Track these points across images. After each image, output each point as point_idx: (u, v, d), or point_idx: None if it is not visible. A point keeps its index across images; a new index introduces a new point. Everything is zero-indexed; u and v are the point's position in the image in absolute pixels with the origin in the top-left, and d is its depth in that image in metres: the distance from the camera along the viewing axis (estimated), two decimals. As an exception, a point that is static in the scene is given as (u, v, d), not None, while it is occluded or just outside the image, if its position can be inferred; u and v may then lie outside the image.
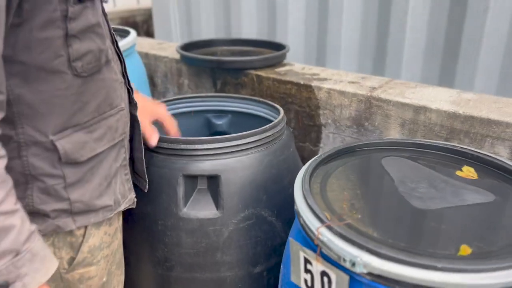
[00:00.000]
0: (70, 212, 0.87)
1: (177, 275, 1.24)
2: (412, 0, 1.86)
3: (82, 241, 0.91)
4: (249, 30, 2.40)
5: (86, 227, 0.91)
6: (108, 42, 0.91)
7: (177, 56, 1.91)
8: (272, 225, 1.26)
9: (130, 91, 1.03)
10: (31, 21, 0.74)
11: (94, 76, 0.85)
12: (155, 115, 1.24)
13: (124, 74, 1.01)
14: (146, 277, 1.29)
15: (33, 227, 0.73)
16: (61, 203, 0.86)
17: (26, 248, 0.70)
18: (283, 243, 1.28)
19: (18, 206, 0.71)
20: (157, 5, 2.74)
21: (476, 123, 1.23)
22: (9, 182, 0.71)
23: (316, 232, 0.87)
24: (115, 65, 0.95)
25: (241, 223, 1.21)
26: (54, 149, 0.82)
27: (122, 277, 1.10)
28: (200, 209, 1.20)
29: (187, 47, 1.91)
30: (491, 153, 1.19)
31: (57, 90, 0.80)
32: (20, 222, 0.70)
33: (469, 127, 1.24)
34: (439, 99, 1.34)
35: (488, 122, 1.21)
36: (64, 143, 0.83)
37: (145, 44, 2.17)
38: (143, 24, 3.46)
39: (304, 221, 0.92)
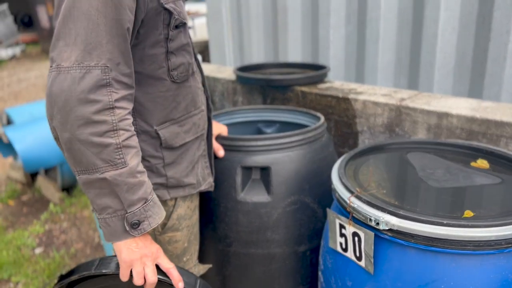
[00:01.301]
0: (166, 186, 1.17)
1: (235, 250, 1.49)
2: (441, 24, 2.08)
3: (172, 210, 1.20)
4: (295, 57, 2.69)
5: (176, 199, 1.20)
6: (193, 59, 1.22)
7: (233, 77, 2.22)
8: (314, 211, 1.49)
9: (208, 97, 1.33)
10: (144, 42, 1.05)
11: (184, 83, 1.16)
12: (217, 131, 1.53)
13: (204, 84, 1.32)
14: (209, 252, 1.55)
15: (151, 184, 1.03)
16: (160, 178, 1.15)
17: (151, 197, 1.00)
18: (323, 228, 1.51)
19: (144, 169, 1.01)
20: (213, 35, 3.11)
21: (492, 125, 1.42)
22: (141, 152, 1.02)
23: (348, 201, 1.11)
24: (198, 76, 1.25)
25: (287, 207, 1.45)
26: (157, 136, 1.13)
27: (197, 247, 1.36)
28: (254, 194, 1.46)
29: (241, 69, 2.22)
30: (505, 149, 1.38)
31: (160, 92, 1.11)
32: (147, 179, 1.00)
33: (486, 129, 1.44)
34: (460, 106, 1.54)
35: (502, 124, 1.40)
36: (164, 132, 1.13)
37: (206, 69, 2.51)
38: (200, 54, 3.86)
39: (339, 194, 1.15)
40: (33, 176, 3.85)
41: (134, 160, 0.97)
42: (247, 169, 1.47)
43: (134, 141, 0.98)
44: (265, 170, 1.46)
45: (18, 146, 3.20)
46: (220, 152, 1.48)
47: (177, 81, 1.13)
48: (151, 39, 1.05)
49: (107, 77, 0.93)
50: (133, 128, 0.99)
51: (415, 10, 2.18)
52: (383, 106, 1.68)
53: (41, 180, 3.70)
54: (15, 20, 12.97)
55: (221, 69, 2.49)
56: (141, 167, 0.99)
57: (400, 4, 2.23)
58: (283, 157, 1.46)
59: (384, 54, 2.33)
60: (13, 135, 3.24)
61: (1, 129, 3.40)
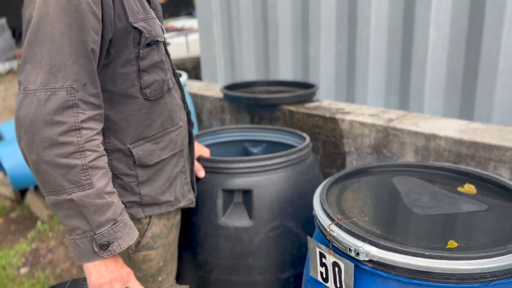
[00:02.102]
0: (141, 204, 1.13)
1: (216, 276, 1.44)
2: (431, 43, 2.06)
3: (146, 228, 1.16)
4: (285, 74, 2.67)
5: (151, 217, 1.16)
6: (170, 75, 1.19)
7: (221, 95, 2.19)
8: (298, 236, 1.44)
9: (188, 113, 1.31)
10: (115, 61, 1.04)
11: (159, 100, 1.13)
12: (199, 152, 1.50)
13: (183, 100, 1.29)
14: (189, 278, 1.50)
15: (122, 204, 1.01)
16: (134, 196, 1.12)
17: (120, 218, 0.98)
18: (307, 254, 1.46)
19: (114, 189, 0.99)
20: (205, 52, 3.10)
21: (480, 148, 1.38)
22: (110, 172, 1.00)
23: (328, 229, 1.06)
24: (176, 92, 1.23)
25: (270, 232, 1.41)
26: (131, 155, 1.10)
27: (175, 267, 1.32)
28: (236, 218, 1.41)
29: (229, 87, 2.19)
30: (494, 174, 1.34)
31: (133, 110, 1.08)
32: (117, 200, 0.99)
33: (474, 152, 1.40)
34: (449, 128, 1.51)
35: (490, 147, 1.36)
36: (138, 150, 1.10)
37: (194, 86, 2.49)
38: (192, 70, 3.85)
39: (320, 222, 1.11)
40: (22, 192, 3.79)
41: (101, 181, 0.96)
42: (229, 192, 1.43)
43: (102, 161, 0.98)
44: (247, 193, 1.42)
45: (6, 163, 3.15)
46: (201, 173, 1.44)
47: (150, 98, 1.11)
48: (122, 58, 1.04)
49: (73, 98, 0.92)
50: (101, 149, 0.98)
51: (405, 29, 2.16)
52: (370, 127, 1.64)
53: (30, 197, 3.65)
54: (13, 34, 13.05)
55: (209, 86, 2.46)
56: (109, 188, 0.98)
57: (390, 22, 2.22)
58: (266, 180, 1.42)
59: (374, 72, 2.30)
60: (2, 152, 3.20)
61: (-11, 145, 3.35)
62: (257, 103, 1.95)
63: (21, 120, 0.91)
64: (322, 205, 1.15)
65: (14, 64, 10.57)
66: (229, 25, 2.90)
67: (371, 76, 2.32)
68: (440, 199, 1.18)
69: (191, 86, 2.49)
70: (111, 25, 0.99)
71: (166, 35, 1.30)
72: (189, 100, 2.23)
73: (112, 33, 1.00)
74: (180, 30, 5.23)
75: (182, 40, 4.57)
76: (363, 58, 2.31)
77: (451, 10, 1.99)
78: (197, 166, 1.44)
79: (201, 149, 1.51)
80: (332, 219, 1.08)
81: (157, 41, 1.11)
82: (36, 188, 3.65)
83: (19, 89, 0.94)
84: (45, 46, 0.91)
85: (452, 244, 0.98)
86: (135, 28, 1.03)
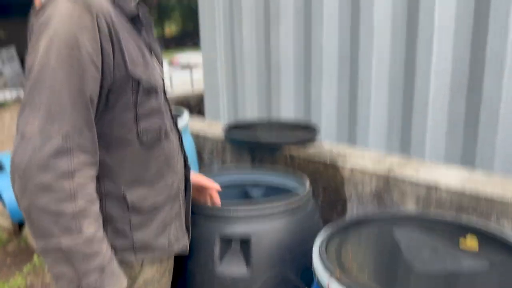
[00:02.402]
0: (133, 249, 1.11)
1: (211, 327, 1.40)
2: (432, 89, 2.08)
3: (138, 274, 1.13)
4: (287, 113, 2.69)
5: (143, 261, 1.14)
6: (168, 121, 1.19)
7: (222, 136, 2.20)
8: (296, 286, 1.41)
9: (185, 158, 1.31)
10: (114, 107, 1.05)
11: (155, 145, 1.14)
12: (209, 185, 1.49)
13: (181, 144, 1.29)
14: (183, 327, 1.46)
15: (112, 252, 0.99)
16: (126, 240, 1.10)
17: (109, 267, 0.97)
18: (306, 304, 1.42)
19: (104, 236, 0.98)
20: (208, 90, 3.13)
21: (481, 200, 1.37)
22: (101, 218, 0.99)
23: (327, 286, 1.04)
24: (174, 137, 1.23)
25: (268, 281, 1.38)
26: (124, 199, 1.09)
27: None
28: (233, 267, 1.39)
29: (231, 128, 2.20)
30: (496, 227, 1.32)
31: (129, 155, 1.09)
32: (106, 247, 0.97)
33: (476, 204, 1.38)
34: (450, 178, 1.50)
35: (492, 201, 1.35)
36: (131, 195, 1.10)
37: (196, 125, 2.50)
38: (196, 106, 3.89)
39: (319, 277, 1.08)
40: (20, 224, 3.76)
41: (91, 228, 0.95)
42: (226, 239, 1.41)
43: (94, 208, 0.97)
44: (245, 241, 1.39)
45: (5, 195, 3.14)
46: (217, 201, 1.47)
47: (146, 144, 1.11)
48: (120, 104, 1.05)
49: (68, 144, 0.94)
50: (94, 195, 0.98)
51: (406, 75, 2.18)
52: (371, 175, 1.63)
53: (27, 229, 3.61)
54: (22, 62, 13.29)
55: (212, 126, 2.47)
56: (99, 235, 0.97)
57: (391, 68, 2.24)
58: (265, 227, 1.40)
59: (376, 115, 2.31)
60: (1, 183, 3.19)
61: (-10, 176, 3.35)
62: (258, 146, 1.95)
63: (16, 165, 0.92)
64: (321, 259, 1.12)
65: (21, 92, 10.71)
66: (233, 65, 2.94)
67: (372, 118, 2.33)
68: (441, 254, 1.16)
69: (193, 125, 2.50)
70: (110, 75, 1.01)
71: (171, 69, 1.31)
72: (190, 139, 2.24)
73: (111, 82, 1.02)
74: (185, 67, 5.33)
75: (187, 75, 4.65)
76: (364, 101, 2.33)
77: (451, 59, 2.02)
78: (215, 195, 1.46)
79: (210, 183, 1.50)
80: (331, 275, 1.05)
81: (155, 88, 1.12)
82: (34, 220, 3.61)
83: (17, 133, 0.95)
84: (44, 93, 0.93)
85: (454, 306, 0.95)
86: (133, 77, 1.05)
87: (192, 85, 4.69)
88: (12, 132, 7.75)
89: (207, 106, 3.17)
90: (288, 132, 2.17)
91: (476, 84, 1.95)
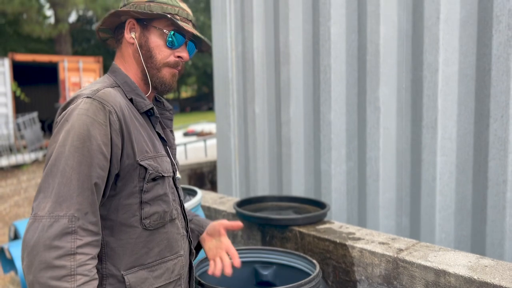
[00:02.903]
0: None
1: None
2: (439, 168, 2.13)
3: None
4: (298, 187, 2.74)
5: None
6: (175, 206, 1.26)
7: (233, 210, 2.25)
8: None
9: (190, 242, 1.35)
10: (120, 193, 1.14)
11: (159, 229, 1.20)
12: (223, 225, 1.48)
13: (187, 229, 1.34)
14: None
15: None
16: None
17: None
18: None
19: None
20: (221, 162, 3.23)
21: (491, 288, 1.37)
22: None
23: None
24: (179, 222, 1.29)
25: None
26: (123, 281, 1.14)
27: None
28: None
29: (242, 203, 2.26)
30: (506, 319, 1.31)
31: (130, 238, 1.15)
32: None
33: (485, 292, 1.39)
34: (458, 263, 1.51)
35: (501, 289, 1.35)
36: (130, 277, 1.15)
37: (208, 199, 2.56)
38: (209, 174, 3.97)
39: None
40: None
41: None
42: (237, 324, 1.41)
43: (91, 286, 1.04)
44: (255, 327, 1.40)
45: (18, 263, 3.17)
46: (236, 261, 1.41)
47: (149, 228, 1.18)
48: (127, 190, 1.15)
49: (73, 225, 1.03)
50: (93, 273, 1.05)
51: (413, 153, 2.25)
52: (380, 257, 1.65)
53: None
54: (43, 126, 13.78)
55: (223, 200, 2.53)
56: None
57: (398, 146, 2.32)
58: (274, 313, 1.40)
59: (384, 192, 2.36)
60: (16, 252, 3.23)
61: (6, 244, 3.40)
62: (268, 223, 1.99)
63: (26, 243, 1.02)
64: None
65: (39, 154, 11.01)
66: (245, 138, 3.06)
67: (381, 195, 2.37)
68: None
69: (206, 198, 2.57)
70: (118, 163, 1.12)
71: (186, 139, 1.39)
72: (201, 214, 2.29)
73: (119, 169, 1.12)
74: (199, 135, 5.54)
75: (201, 144, 4.81)
76: (373, 178, 2.39)
77: (456, 139, 2.09)
78: (232, 252, 1.42)
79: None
80: None
81: (163, 176, 1.21)
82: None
83: (31, 215, 1.05)
84: (57, 179, 1.04)
85: None
86: (141, 165, 1.15)
87: (206, 153, 4.81)
88: (27, 194, 7.85)
89: (219, 178, 3.25)
90: (298, 207, 2.22)
91: (481, 166, 2.01)
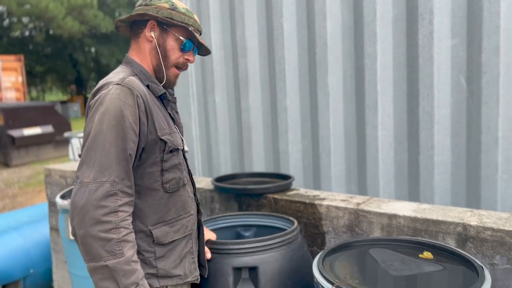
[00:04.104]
0: (157, 276, 1.42)
1: None
2: (380, 140, 2.57)
3: None
4: (259, 167, 3.07)
5: (165, 287, 1.43)
6: (185, 173, 1.54)
7: (210, 187, 2.52)
8: (296, 304, 1.72)
9: (198, 204, 1.63)
10: (145, 163, 1.40)
11: (175, 193, 1.48)
12: (208, 237, 1.82)
13: (195, 193, 1.62)
14: None
15: (143, 272, 1.31)
16: (152, 269, 1.41)
17: (141, 282, 1.28)
18: (304, 320, 1.73)
19: (138, 259, 1.30)
20: (182, 149, 3.46)
21: (430, 223, 1.80)
22: (136, 245, 1.31)
23: (331, 291, 1.38)
24: (189, 187, 1.57)
25: (274, 301, 1.68)
26: (151, 235, 1.41)
27: None
28: (245, 292, 1.68)
29: (217, 180, 2.54)
30: (442, 242, 1.74)
31: (155, 200, 1.42)
32: (140, 267, 1.29)
33: (426, 227, 1.81)
34: (405, 208, 1.93)
35: (438, 222, 1.78)
36: (157, 232, 1.42)
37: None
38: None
39: (322, 286, 1.42)
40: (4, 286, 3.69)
41: (130, 251, 1.27)
42: (238, 270, 1.71)
43: (132, 237, 1.29)
44: (253, 270, 1.70)
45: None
46: (208, 255, 1.73)
47: (169, 191, 1.46)
48: (150, 160, 1.41)
49: (114, 188, 1.28)
50: (131, 227, 1.31)
51: (358, 130, 2.67)
52: (343, 210, 2.03)
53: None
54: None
55: (198, 179, 2.78)
56: (135, 257, 1.29)
57: (345, 124, 2.73)
58: (268, 257, 1.72)
59: (335, 165, 2.76)
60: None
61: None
62: (246, 193, 2.30)
63: (76, 204, 1.24)
64: (321, 273, 1.47)
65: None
66: (206, 126, 3.32)
67: (333, 168, 2.77)
68: (408, 264, 1.55)
69: (179, 179, 2.80)
70: (145, 138, 1.38)
71: None
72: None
73: (145, 143, 1.38)
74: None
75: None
76: (325, 154, 2.78)
77: (393, 116, 2.54)
78: (206, 249, 1.73)
79: (209, 234, 1.81)
80: (331, 283, 1.40)
81: (177, 149, 1.49)
82: (7, 286, 3.58)
83: (76, 182, 1.28)
84: (98, 152, 1.28)
85: (424, 294, 1.33)
86: (162, 139, 1.42)
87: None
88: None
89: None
90: (267, 181, 2.54)
91: (413, 136, 2.47)
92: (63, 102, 23.40)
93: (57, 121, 11.42)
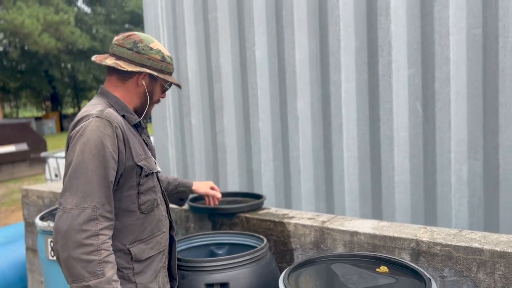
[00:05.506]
0: None
1: None
2: (345, 161, 2.75)
3: None
4: (233, 186, 3.20)
5: None
6: (159, 194, 1.67)
7: (185, 207, 2.64)
8: (265, 317, 1.85)
9: (171, 221, 1.76)
10: (122, 187, 1.54)
11: (150, 213, 1.62)
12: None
13: (168, 212, 1.75)
14: None
15: None
16: (131, 284, 1.53)
17: None
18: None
19: (118, 278, 1.42)
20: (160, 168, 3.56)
21: (388, 240, 1.97)
22: (116, 266, 1.43)
23: (293, 303, 1.51)
24: (162, 207, 1.70)
25: (244, 315, 1.80)
26: (129, 253, 1.54)
27: None
28: (217, 307, 1.80)
29: (192, 200, 2.66)
30: (398, 257, 1.91)
31: (132, 220, 1.56)
32: (120, 286, 1.40)
33: (384, 243, 1.98)
34: (365, 226, 2.09)
35: (394, 239, 1.95)
36: (134, 249, 1.55)
37: (158, 200, 2.91)
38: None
39: (286, 299, 1.55)
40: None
41: (110, 272, 1.38)
42: (210, 286, 1.83)
43: (112, 258, 1.41)
44: (224, 286, 1.82)
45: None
46: (218, 195, 2.24)
47: (144, 212, 1.60)
48: (128, 185, 1.55)
49: (95, 214, 1.40)
50: (111, 249, 1.42)
51: (325, 151, 2.85)
52: (309, 228, 2.18)
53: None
54: None
55: (172, 200, 2.90)
56: (115, 277, 1.40)
57: (313, 145, 2.90)
58: (238, 274, 1.85)
59: (305, 184, 2.92)
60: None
61: None
62: (218, 213, 2.43)
63: (59, 229, 1.36)
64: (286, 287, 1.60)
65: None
66: (182, 147, 3.44)
67: (303, 187, 2.93)
68: (365, 278, 1.70)
69: (155, 200, 2.91)
70: (123, 165, 1.52)
71: None
72: (157, 212, 2.64)
73: (123, 169, 1.52)
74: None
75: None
76: (295, 173, 2.94)
77: (356, 138, 2.73)
78: (212, 192, 2.26)
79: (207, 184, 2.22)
80: (295, 296, 1.54)
81: (153, 172, 1.63)
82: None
83: (59, 208, 1.40)
84: (80, 179, 1.40)
85: (376, 304, 1.48)
86: (138, 165, 1.56)
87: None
88: None
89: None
90: (240, 200, 2.68)
91: (376, 157, 2.66)
92: (37, 118, 23.05)
93: (32, 139, 11.31)
